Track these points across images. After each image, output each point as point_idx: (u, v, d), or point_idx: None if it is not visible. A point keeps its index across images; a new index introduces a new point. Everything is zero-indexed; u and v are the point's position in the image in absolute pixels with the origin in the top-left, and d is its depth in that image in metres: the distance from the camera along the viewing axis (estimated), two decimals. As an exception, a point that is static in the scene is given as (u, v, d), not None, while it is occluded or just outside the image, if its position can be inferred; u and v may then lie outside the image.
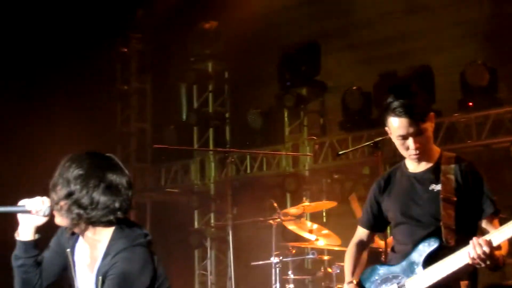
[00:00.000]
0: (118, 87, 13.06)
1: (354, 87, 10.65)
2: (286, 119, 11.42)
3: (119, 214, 3.83)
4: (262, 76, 11.91)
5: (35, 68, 11.18)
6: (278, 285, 8.32)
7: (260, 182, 11.57)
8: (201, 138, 12.18)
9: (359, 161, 10.46)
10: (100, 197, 3.79)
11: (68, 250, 4.03)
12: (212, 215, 11.84)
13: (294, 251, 8.77)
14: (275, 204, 8.59)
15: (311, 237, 8.63)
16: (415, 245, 4.46)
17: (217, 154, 11.62)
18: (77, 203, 3.79)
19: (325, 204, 8.90)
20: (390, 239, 5.52)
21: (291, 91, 11.12)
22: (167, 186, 12.30)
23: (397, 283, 4.47)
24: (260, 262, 8.70)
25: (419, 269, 4.38)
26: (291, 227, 8.76)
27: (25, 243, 4.03)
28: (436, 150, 4.58)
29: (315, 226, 8.77)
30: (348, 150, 7.74)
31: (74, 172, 3.81)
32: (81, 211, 3.79)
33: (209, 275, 10.33)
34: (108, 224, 3.85)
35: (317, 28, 11.63)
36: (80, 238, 4.01)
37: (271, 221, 8.54)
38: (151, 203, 12.68)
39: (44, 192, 3.95)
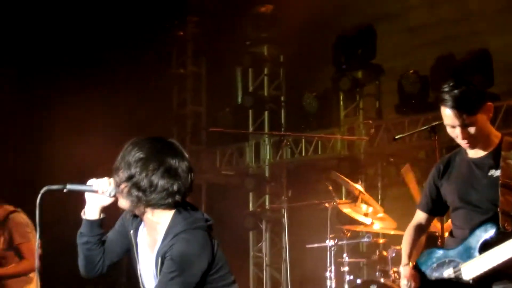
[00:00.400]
0: (174, 70, 13.15)
1: (411, 71, 10.56)
2: (341, 102, 11.38)
3: (177, 197, 3.93)
4: (318, 59, 11.87)
5: (93, 50, 11.31)
6: (333, 267, 8.35)
7: (315, 165, 11.57)
8: (256, 121, 12.20)
9: (415, 145, 10.39)
10: (159, 181, 3.88)
11: (132, 231, 4.14)
12: (267, 197, 11.89)
13: (349, 234, 8.76)
14: (330, 188, 8.60)
15: (367, 220, 8.60)
16: (472, 230, 4.46)
17: (272, 137, 11.64)
18: (137, 186, 3.89)
19: (376, 204, 8.86)
20: (447, 224, 5.51)
21: (347, 74, 11.08)
22: (222, 169, 12.37)
23: (453, 267, 4.48)
24: (315, 245, 8.73)
25: (475, 254, 4.38)
26: (346, 210, 8.74)
27: (91, 222, 4.14)
28: (496, 135, 4.58)
29: (371, 209, 8.74)
30: (405, 134, 7.68)
31: (135, 155, 3.92)
32: (140, 194, 3.89)
33: (264, 256, 10.38)
34: (167, 207, 3.95)
35: (373, 11, 11.54)
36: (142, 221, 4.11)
37: (326, 204, 8.55)
38: (206, 185, 12.76)
39: (110, 174, 4.07)
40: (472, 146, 4.50)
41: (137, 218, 4.13)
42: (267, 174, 11.83)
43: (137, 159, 3.91)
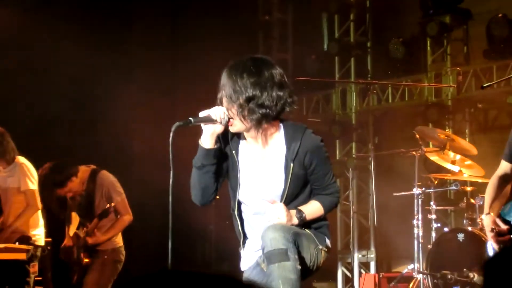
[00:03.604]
0: (260, 17, 13.15)
1: (500, 15, 10.35)
2: (428, 48, 11.24)
3: (289, 100, 4.39)
4: (405, 4, 11.73)
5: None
6: (420, 215, 8.39)
7: (401, 112, 11.51)
8: (342, 67, 12.17)
9: (503, 90, 10.23)
10: (277, 93, 4.31)
11: (234, 151, 4.49)
12: (353, 145, 11.90)
13: (436, 182, 8.76)
14: (418, 136, 8.58)
15: (454, 168, 8.59)
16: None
17: (359, 84, 11.59)
18: (261, 105, 4.28)
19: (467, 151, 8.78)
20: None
21: (434, 19, 10.92)
22: (309, 116, 12.39)
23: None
24: (402, 193, 8.76)
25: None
26: (434, 158, 8.74)
27: (208, 150, 4.40)
28: None
29: (458, 156, 8.71)
30: (493, 82, 7.56)
31: (249, 79, 4.28)
32: (266, 110, 4.29)
33: (351, 204, 10.43)
34: (278, 117, 4.42)
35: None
36: (244, 140, 4.50)
37: (413, 152, 8.55)
38: (294, 132, 12.77)
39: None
40: None
41: (235, 139, 4.49)
42: (353, 121, 11.82)
43: (253, 81, 4.28)
